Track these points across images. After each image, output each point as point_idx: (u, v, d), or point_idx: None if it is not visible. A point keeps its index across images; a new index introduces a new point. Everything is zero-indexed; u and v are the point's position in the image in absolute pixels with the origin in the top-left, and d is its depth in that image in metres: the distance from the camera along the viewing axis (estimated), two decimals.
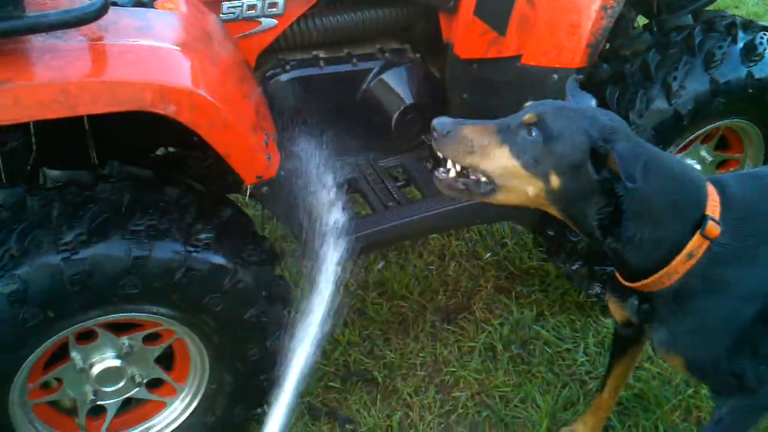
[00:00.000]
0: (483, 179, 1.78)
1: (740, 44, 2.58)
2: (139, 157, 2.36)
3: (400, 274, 3.25)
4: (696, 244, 1.76)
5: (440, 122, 1.77)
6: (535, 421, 2.62)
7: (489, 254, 3.37)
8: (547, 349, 2.90)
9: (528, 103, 1.84)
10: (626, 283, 1.91)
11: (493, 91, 2.61)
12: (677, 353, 1.95)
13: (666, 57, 2.51)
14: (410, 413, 2.67)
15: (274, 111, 2.53)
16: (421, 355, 2.89)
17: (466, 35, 2.61)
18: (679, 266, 1.78)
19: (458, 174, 1.80)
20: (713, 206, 1.78)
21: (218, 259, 2.04)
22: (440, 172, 1.84)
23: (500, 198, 1.79)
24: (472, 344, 2.93)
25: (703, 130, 2.70)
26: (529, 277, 3.26)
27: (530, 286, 3.20)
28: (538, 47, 2.39)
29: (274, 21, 2.54)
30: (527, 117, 1.74)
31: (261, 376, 2.31)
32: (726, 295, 1.83)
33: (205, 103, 1.83)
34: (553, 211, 1.81)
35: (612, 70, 2.57)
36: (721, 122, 2.72)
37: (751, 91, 2.59)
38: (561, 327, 3.00)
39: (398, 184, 2.81)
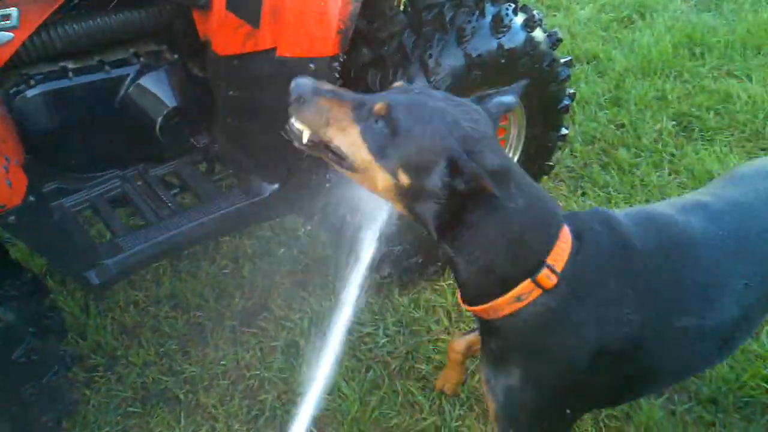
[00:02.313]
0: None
1: (488, 17, 2.65)
2: None
3: (192, 283, 3.13)
4: (526, 289, 1.57)
5: (300, 85, 1.58)
6: (344, 410, 2.62)
7: (282, 249, 3.32)
8: (349, 336, 2.90)
9: (397, 83, 1.69)
10: (460, 301, 1.73)
11: (258, 86, 2.54)
12: (492, 398, 1.76)
13: (420, 36, 2.54)
14: (216, 425, 2.59)
15: (23, 130, 2.35)
16: (222, 363, 2.81)
17: (222, 31, 2.53)
18: (505, 306, 1.60)
19: (310, 144, 1.61)
20: (560, 252, 1.58)
21: None
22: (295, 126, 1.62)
23: (357, 179, 1.62)
24: (274, 344, 2.88)
25: None
26: (325, 266, 3.24)
27: (327, 275, 3.18)
28: (291, 38, 2.34)
29: (10, 34, 2.34)
30: (377, 106, 1.55)
31: (43, 416, 2.15)
32: (544, 360, 1.65)
33: None
34: (400, 207, 1.62)
35: (372, 54, 2.59)
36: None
37: (503, 61, 2.68)
38: (360, 312, 3.00)
39: (173, 192, 2.69)
